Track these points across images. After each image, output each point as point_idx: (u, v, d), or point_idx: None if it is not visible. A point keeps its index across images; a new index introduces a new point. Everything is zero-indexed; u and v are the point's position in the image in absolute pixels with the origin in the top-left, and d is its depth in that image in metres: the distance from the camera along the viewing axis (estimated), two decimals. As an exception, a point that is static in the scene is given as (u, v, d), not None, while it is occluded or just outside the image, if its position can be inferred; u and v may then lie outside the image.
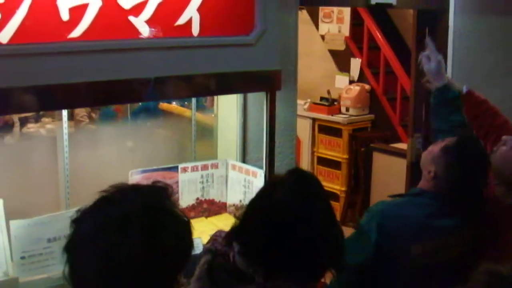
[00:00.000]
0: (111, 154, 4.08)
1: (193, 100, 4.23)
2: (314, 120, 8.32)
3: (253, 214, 2.15)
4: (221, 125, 4.35)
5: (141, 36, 3.17)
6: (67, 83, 2.99)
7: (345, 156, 8.05)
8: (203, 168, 4.12)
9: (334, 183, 8.07)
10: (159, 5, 3.19)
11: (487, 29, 5.32)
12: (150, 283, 1.70)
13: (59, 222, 3.24)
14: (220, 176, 4.18)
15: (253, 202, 2.18)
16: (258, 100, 4.01)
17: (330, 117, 8.18)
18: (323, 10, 8.84)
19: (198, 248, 2.24)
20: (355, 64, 8.63)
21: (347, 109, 8.24)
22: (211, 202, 4.17)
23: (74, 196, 3.60)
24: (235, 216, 4.02)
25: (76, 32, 2.97)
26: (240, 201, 4.10)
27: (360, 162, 7.89)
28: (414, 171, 5.34)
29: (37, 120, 4.02)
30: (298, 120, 4.47)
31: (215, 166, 4.18)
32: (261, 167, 3.91)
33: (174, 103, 4.62)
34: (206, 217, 4.14)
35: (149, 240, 1.69)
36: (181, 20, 3.29)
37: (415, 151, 5.44)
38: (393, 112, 8.25)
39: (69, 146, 3.62)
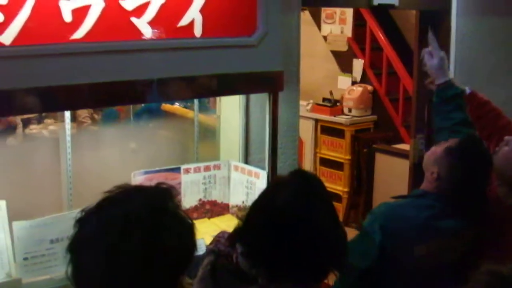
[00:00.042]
0: (114, 155, 4.09)
1: (196, 101, 4.23)
2: (316, 121, 8.32)
3: (256, 215, 2.15)
4: (224, 126, 4.35)
5: (143, 37, 3.17)
6: (70, 85, 3.00)
7: (348, 157, 8.04)
8: (206, 169, 4.12)
9: (336, 184, 8.07)
10: (162, 6, 3.20)
11: (489, 29, 5.32)
12: (152, 284, 1.70)
13: (62, 223, 3.25)
14: (222, 177, 4.18)
15: (256, 203, 2.18)
16: (260, 101, 4.02)
17: (332, 118, 8.18)
18: (325, 11, 8.84)
19: (200, 249, 2.24)
20: (358, 65, 8.62)
21: (350, 110, 8.24)
22: (214, 203, 4.17)
23: (76, 197, 3.61)
24: (237, 217, 4.07)
25: (79, 34, 2.98)
26: (243, 202, 4.10)
27: (362, 163, 7.89)
28: (416, 172, 5.32)
29: (39, 121, 4.03)
30: (300, 121, 4.46)
31: (218, 167, 4.18)
32: (263, 168, 3.91)
33: (177, 104, 4.62)
34: (209, 218, 4.14)
35: (152, 241, 1.69)
36: (184, 21, 3.29)
37: (417, 152, 5.43)
38: (395, 113, 8.24)
39: (72, 147, 3.62)
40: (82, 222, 1.75)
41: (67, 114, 3.59)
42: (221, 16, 3.43)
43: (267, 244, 2.04)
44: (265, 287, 2.07)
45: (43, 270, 3.25)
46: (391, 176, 7.15)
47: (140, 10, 3.14)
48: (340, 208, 7.87)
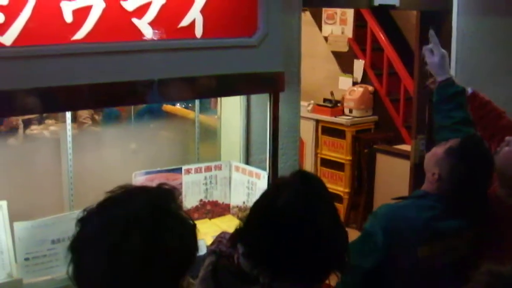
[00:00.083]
0: (115, 155, 4.09)
1: (197, 101, 4.23)
2: (317, 121, 8.32)
3: (258, 216, 2.15)
4: (225, 126, 4.35)
5: (144, 38, 3.17)
6: (71, 85, 3.00)
7: (349, 157, 8.04)
8: (207, 170, 4.12)
9: (337, 185, 8.07)
10: (162, 7, 3.20)
11: (490, 29, 5.32)
12: (154, 284, 1.70)
13: (63, 224, 3.25)
14: (223, 178, 4.18)
15: (258, 204, 2.19)
16: (261, 101, 4.02)
17: (333, 119, 8.18)
18: (326, 12, 8.84)
19: (202, 250, 2.24)
20: (358, 65, 8.62)
21: (351, 111, 8.24)
22: (215, 204, 4.17)
23: (77, 197, 3.61)
24: (238, 217, 4.06)
25: (80, 34, 2.98)
26: (244, 202, 4.10)
27: (363, 164, 7.89)
28: (417, 173, 5.32)
29: (40, 122, 4.02)
30: (301, 121, 4.46)
31: (219, 167, 4.18)
32: (264, 169, 3.91)
33: (178, 105, 4.62)
34: (210, 218, 4.14)
35: (153, 241, 1.69)
36: (185, 22, 3.29)
37: (418, 152, 5.44)
38: (396, 114, 8.24)
39: (73, 148, 3.62)
40: (84, 222, 1.75)
41: (68, 114, 3.59)
42: (222, 16, 3.43)
43: (268, 245, 2.04)
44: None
45: (44, 271, 3.25)
46: (392, 177, 7.15)
47: (141, 11, 3.14)
48: (341, 208, 7.87)
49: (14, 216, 3.25)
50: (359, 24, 8.67)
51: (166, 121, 4.60)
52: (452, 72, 4.88)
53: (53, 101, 3.02)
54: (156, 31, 3.19)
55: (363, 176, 7.91)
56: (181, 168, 4.01)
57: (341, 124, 8.11)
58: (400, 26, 8.92)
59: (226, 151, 4.35)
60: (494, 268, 1.95)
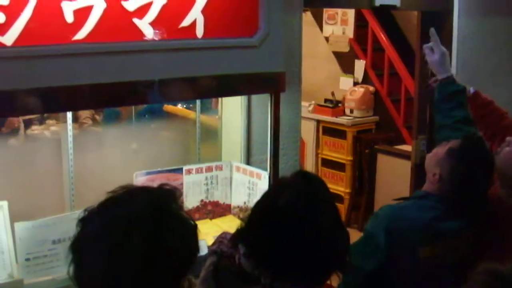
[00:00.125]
0: (116, 156, 4.09)
1: (198, 102, 4.23)
2: (318, 122, 8.32)
3: (259, 216, 2.15)
4: (226, 127, 4.35)
5: (145, 38, 3.17)
6: (71, 85, 3.00)
7: (349, 158, 8.04)
8: (208, 170, 4.12)
9: (338, 185, 8.07)
10: (163, 7, 3.19)
11: (490, 30, 5.33)
12: (155, 284, 1.70)
13: (64, 224, 3.25)
14: (224, 178, 4.18)
15: (259, 204, 2.19)
16: (262, 102, 4.02)
17: (334, 119, 8.18)
18: (327, 12, 8.84)
19: (202, 250, 2.24)
20: (359, 65, 8.62)
21: (351, 111, 8.24)
22: (216, 204, 4.17)
23: (78, 198, 3.61)
24: (239, 218, 4.06)
25: (81, 34, 2.98)
26: (245, 203, 4.09)
27: (364, 164, 7.89)
28: (418, 173, 5.32)
29: (41, 122, 4.02)
30: (302, 122, 4.46)
31: (220, 168, 4.18)
32: (265, 169, 3.90)
33: (179, 105, 4.62)
34: (211, 219, 4.14)
35: (154, 241, 1.69)
36: (185, 22, 3.29)
37: (419, 153, 5.43)
38: (397, 114, 8.24)
39: (74, 148, 3.62)
40: (85, 222, 1.75)
41: (69, 115, 3.59)
42: (223, 16, 3.43)
43: (270, 245, 2.04)
44: (268, 288, 2.07)
45: (45, 271, 3.25)
46: (393, 177, 7.15)
47: (142, 11, 3.14)
48: (342, 209, 7.86)
49: (15, 216, 3.25)
50: (360, 24, 8.67)
51: (167, 121, 4.59)
52: (453, 72, 4.88)
53: (54, 101, 3.02)
54: (157, 31, 3.19)
55: (364, 177, 7.91)
56: (182, 169, 4.01)
57: (342, 125, 8.11)
58: (401, 26, 8.92)
59: (227, 152, 4.35)
60: (492, 267, 1.96)
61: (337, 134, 8.17)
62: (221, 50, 3.46)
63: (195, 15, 3.31)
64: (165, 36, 3.23)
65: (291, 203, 2.07)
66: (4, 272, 3.17)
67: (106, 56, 3.08)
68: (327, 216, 2.09)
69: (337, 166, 8.19)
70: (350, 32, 8.70)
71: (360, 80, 8.61)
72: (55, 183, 3.74)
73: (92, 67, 3.05)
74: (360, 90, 8.30)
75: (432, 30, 3.61)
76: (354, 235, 2.61)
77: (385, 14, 8.55)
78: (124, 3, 3.08)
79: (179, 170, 4.00)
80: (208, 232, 3.68)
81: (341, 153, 8.13)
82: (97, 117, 4.37)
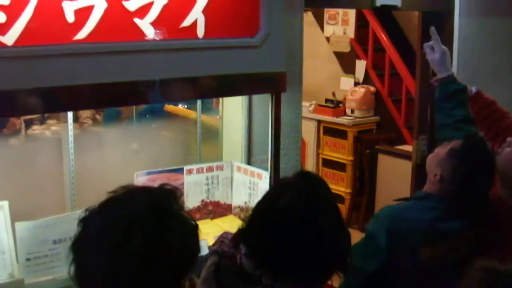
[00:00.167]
0: (116, 156, 4.09)
1: (198, 102, 4.23)
2: (319, 122, 8.32)
3: (260, 216, 2.15)
4: (226, 127, 4.35)
5: (146, 38, 3.17)
6: (72, 85, 2.99)
7: (350, 158, 8.05)
8: (208, 170, 4.11)
9: (339, 185, 8.07)
10: (164, 7, 3.19)
11: (491, 30, 5.32)
12: (155, 284, 1.70)
13: (65, 224, 3.25)
14: (225, 178, 4.18)
15: (260, 204, 2.19)
16: (263, 102, 4.01)
17: (335, 119, 8.18)
18: (328, 12, 8.84)
19: (203, 250, 2.24)
20: (360, 66, 8.63)
21: (352, 111, 8.24)
22: (216, 204, 4.17)
23: (79, 197, 3.61)
24: (240, 218, 4.06)
25: (82, 34, 2.98)
26: (245, 203, 4.09)
27: (365, 164, 7.89)
28: (419, 173, 5.32)
29: (42, 122, 4.02)
30: (303, 122, 4.46)
31: (220, 168, 4.17)
32: (266, 169, 3.90)
33: (180, 105, 4.62)
34: (211, 219, 4.14)
35: (155, 241, 1.69)
36: (186, 22, 3.29)
37: (420, 153, 5.43)
38: (398, 114, 8.25)
39: (74, 148, 3.62)
40: (85, 222, 1.75)
41: (70, 114, 3.58)
42: (223, 17, 3.43)
43: (271, 245, 2.04)
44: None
45: (46, 271, 3.25)
46: (394, 177, 7.15)
47: (143, 11, 3.14)
48: (343, 209, 7.86)
49: (15, 216, 3.25)
50: (361, 24, 8.68)
51: (168, 121, 4.59)
52: (454, 71, 4.88)
53: (55, 101, 3.02)
54: (158, 31, 3.19)
55: (364, 177, 7.91)
56: (182, 169, 4.00)
57: (343, 125, 8.12)
58: (402, 26, 8.92)
59: (228, 152, 4.35)
60: (488, 265, 1.96)
61: (338, 134, 8.18)
62: (222, 50, 3.46)
63: (196, 15, 3.31)
64: (166, 36, 3.23)
65: (292, 203, 2.07)
66: (4, 272, 3.16)
67: (107, 56, 3.08)
68: (328, 216, 2.09)
69: (338, 166, 8.20)
70: (351, 32, 8.70)
71: (361, 80, 8.62)
72: (55, 183, 3.74)
73: (93, 67, 3.04)
74: (361, 90, 8.30)
75: (433, 29, 3.61)
76: (355, 235, 2.61)
77: (386, 14, 8.55)
78: (125, 3, 3.08)
79: (180, 170, 3.99)
80: (209, 232, 3.68)
81: (342, 153, 8.13)
82: (97, 117, 4.37)
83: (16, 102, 2.87)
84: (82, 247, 1.73)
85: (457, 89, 3.50)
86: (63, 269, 3.13)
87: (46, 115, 3.94)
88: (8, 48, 2.79)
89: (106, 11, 3.02)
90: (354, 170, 8.08)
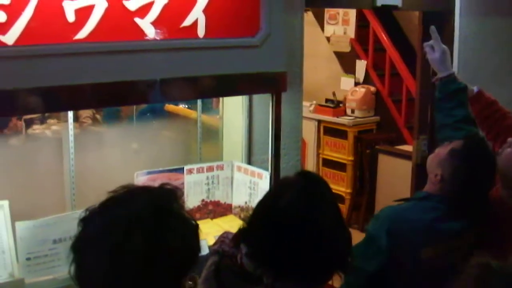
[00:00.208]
0: (117, 155, 4.08)
1: (199, 101, 4.23)
2: (319, 122, 8.33)
3: (261, 216, 2.15)
4: (227, 126, 4.35)
5: (146, 38, 3.17)
6: (73, 85, 2.99)
7: (350, 158, 8.05)
8: (209, 170, 4.11)
9: (339, 185, 8.07)
10: (165, 6, 3.19)
11: (492, 30, 5.32)
12: (156, 284, 1.70)
13: (65, 224, 3.24)
14: (225, 178, 4.18)
15: (261, 204, 2.18)
16: (263, 101, 4.01)
17: (335, 119, 8.18)
18: (328, 12, 8.84)
19: (203, 250, 2.24)
20: (361, 66, 8.63)
21: (353, 111, 8.24)
22: (217, 204, 4.17)
23: (79, 197, 3.60)
24: (240, 217, 4.06)
25: (82, 34, 2.97)
26: (246, 202, 4.09)
27: (365, 164, 7.89)
28: (419, 173, 5.32)
29: (42, 121, 4.02)
30: (303, 122, 4.46)
31: (221, 167, 4.17)
32: (266, 169, 3.90)
33: (181, 104, 4.62)
34: (212, 218, 4.14)
35: (155, 241, 1.69)
36: (187, 22, 3.29)
37: (420, 153, 5.43)
38: (398, 114, 8.25)
39: (75, 147, 3.62)
40: (86, 222, 1.75)
41: (70, 114, 3.58)
42: (224, 16, 3.42)
43: (271, 245, 2.04)
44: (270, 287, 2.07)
45: (46, 270, 3.25)
46: (394, 177, 7.15)
47: (143, 10, 3.13)
48: (343, 209, 7.84)
49: (15, 216, 3.25)
50: (362, 24, 8.68)
51: (168, 121, 4.59)
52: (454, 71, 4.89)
53: (55, 101, 3.01)
54: (159, 30, 3.19)
55: (365, 177, 7.91)
56: (183, 168, 4.00)
57: (343, 125, 8.12)
58: (402, 26, 8.92)
59: (228, 151, 4.35)
60: (484, 261, 1.97)
61: (338, 134, 8.18)
62: (222, 50, 3.46)
63: (196, 14, 3.31)
64: (167, 35, 3.23)
65: (293, 203, 2.07)
66: (5, 271, 3.16)
67: (108, 55, 3.08)
68: (328, 216, 2.09)
69: (338, 166, 8.20)
70: (351, 32, 8.70)
71: (361, 80, 8.62)
72: (56, 183, 3.74)
73: (94, 66, 3.04)
74: (361, 90, 8.30)
75: (433, 28, 3.61)
76: (355, 235, 2.61)
77: (386, 14, 8.55)
78: (125, 3, 3.08)
79: (180, 170, 3.99)
80: (209, 232, 3.68)
81: (342, 153, 8.13)
82: (97, 116, 4.37)
83: (16, 101, 2.87)
84: (82, 247, 1.73)
85: (457, 89, 3.50)
86: (63, 269, 3.13)
87: (46, 114, 3.94)
88: (9, 48, 2.79)
89: (106, 10, 3.02)
90: (354, 170, 8.08)
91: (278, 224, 2.05)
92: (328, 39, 8.95)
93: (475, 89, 3.65)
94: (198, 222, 1.86)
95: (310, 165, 8.30)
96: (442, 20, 5.10)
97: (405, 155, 6.98)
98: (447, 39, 4.88)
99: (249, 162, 4.17)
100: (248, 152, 4.18)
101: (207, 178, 4.10)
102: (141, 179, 3.76)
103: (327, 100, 8.44)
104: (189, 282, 1.88)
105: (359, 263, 2.67)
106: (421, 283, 2.98)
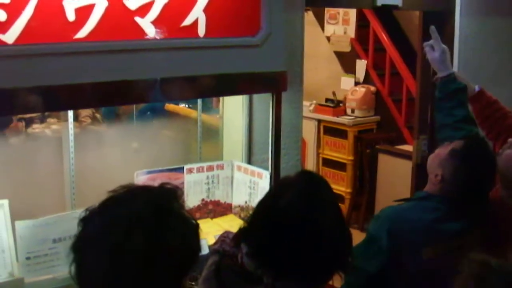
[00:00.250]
0: (117, 154, 4.08)
1: (199, 101, 4.23)
2: (319, 121, 8.33)
3: (261, 216, 2.15)
4: (227, 126, 4.34)
5: (147, 37, 3.17)
6: (73, 84, 2.99)
7: (350, 157, 8.04)
8: (209, 169, 4.11)
9: (339, 185, 8.07)
10: (165, 6, 3.19)
11: (492, 30, 5.32)
12: (156, 284, 1.70)
13: (65, 223, 3.24)
14: (225, 177, 4.18)
15: (261, 203, 2.18)
16: (263, 101, 4.01)
17: (335, 119, 8.18)
18: (328, 12, 8.84)
19: (203, 249, 2.23)
20: (361, 65, 8.62)
21: (353, 111, 8.24)
22: (217, 203, 4.17)
23: (79, 196, 3.60)
24: (240, 217, 4.06)
25: (82, 33, 2.97)
26: (246, 202, 4.09)
27: (365, 164, 7.89)
28: (419, 173, 5.32)
29: (42, 120, 4.01)
30: (303, 121, 4.46)
31: (221, 167, 4.17)
32: (266, 169, 3.90)
33: (183, 104, 4.62)
34: (212, 218, 4.13)
35: (155, 241, 1.69)
36: (187, 21, 3.29)
37: (420, 152, 5.43)
38: (398, 114, 8.24)
39: (75, 146, 3.62)
40: (86, 221, 1.75)
41: (70, 113, 3.58)
42: (224, 16, 3.42)
43: (272, 245, 2.04)
44: (270, 287, 2.07)
45: (46, 270, 3.24)
46: (394, 177, 7.15)
47: (143, 10, 3.13)
48: (343, 209, 7.78)
49: (15, 215, 3.25)
50: (362, 24, 8.67)
51: (168, 120, 4.60)
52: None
53: (55, 100, 3.01)
54: (159, 30, 3.19)
55: (365, 176, 7.91)
56: (183, 168, 4.00)
57: (343, 124, 8.11)
58: (402, 26, 8.91)
59: (228, 151, 4.34)
60: (482, 259, 1.97)
61: (338, 134, 8.18)
62: (222, 49, 3.46)
63: (197, 14, 3.31)
64: (167, 35, 3.22)
65: (293, 203, 2.07)
66: (4, 271, 3.16)
67: (108, 54, 3.08)
68: (329, 216, 2.08)
69: (338, 166, 8.20)
70: (351, 32, 8.70)
71: (361, 80, 8.62)
72: (56, 182, 3.74)
73: (94, 65, 3.04)
74: (361, 90, 8.30)
75: (432, 28, 3.61)
76: (355, 235, 2.61)
77: (386, 14, 8.54)
78: (126, 2, 3.07)
79: (180, 169, 3.99)
80: (209, 232, 3.68)
81: (342, 153, 8.13)
82: (97, 115, 4.37)
83: (16, 100, 2.87)
84: (82, 246, 1.72)
85: (457, 89, 3.49)
86: (63, 268, 3.13)
87: (46, 113, 3.94)
88: (9, 47, 2.79)
89: (106, 9, 3.02)
90: (354, 169, 8.08)
91: (278, 224, 2.05)
92: (328, 38, 8.95)
93: (476, 88, 3.64)
94: (198, 221, 1.86)
95: (310, 165, 8.29)
96: (442, 20, 5.10)
97: (405, 155, 6.98)
98: (448, 39, 4.88)
99: (249, 161, 4.17)
100: (248, 152, 4.17)
101: (207, 177, 4.10)
102: (141, 178, 3.76)
103: (327, 100, 8.44)
104: (190, 282, 1.87)
105: (360, 263, 2.67)
106: (421, 283, 2.98)
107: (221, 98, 4.30)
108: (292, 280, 2.05)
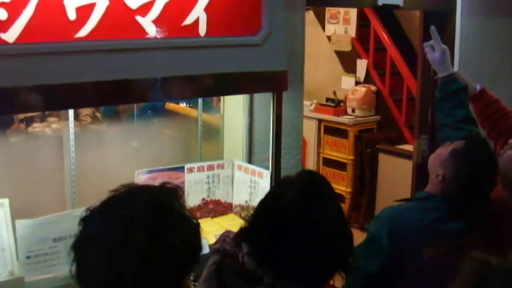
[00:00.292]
0: (117, 154, 4.08)
1: (200, 100, 4.23)
2: (320, 121, 8.32)
3: (262, 215, 2.14)
4: (227, 125, 4.34)
5: (147, 36, 3.17)
6: (73, 83, 2.99)
7: (351, 157, 8.04)
8: (209, 169, 4.11)
9: (339, 184, 8.06)
10: (166, 5, 3.19)
11: (493, 30, 5.32)
12: (157, 283, 1.70)
13: (65, 222, 3.24)
14: (226, 177, 4.18)
15: (262, 203, 2.18)
16: (264, 100, 4.01)
17: (336, 118, 8.18)
18: (329, 11, 8.83)
19: (204, 249, 2.23)
20: (361, 65, 8.62)
21: (353, 110, 8.24)
22: (217, 203, 4.17)
23: (80, 195, 3.60)
24: (241, 216, 4.06)
25: (83, 32, 2.97)
26: (246, 201, 4.09)
27: (365, 163, 7.89)
28: (420, 173, 5.32)
29: (42, 119, 4.01)
30: (304, 121, 4.46)
31: (221, 166, 4.17)
32: (267, 168, 3.90)
33: (184, 104, 4.61)
34: (212, 217, 4.13)
35: (156, 240, 1.69)
36: (188, 20, 3.29)
37: (421, 152, 5.43)
38: (399, 114, 8.24)
39: (75, 146, 3.62)
40: (87, 221, 1.75)
41: (71, 112, 3.58)
42: (225, 15, 3.42)
43: (273, 244, 2.04)
44: (271, 287, 2.06)
45: (46, 269, 3.24)
46: (394, 177, 7.15)
47: (144, 9, 3.13)
48: (343, 208, 7.84)
49: (16, 214, 3.25)
50: (362, 23, 8.67)
51: (169, 119, 4.59)
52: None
53: (56, 99, 3.01)
54: (160, 29, 3.18)
55: (365, 176, 7.91)
56: (183, 167, 4.00)
57: (344, 124, 8.11)
58: (403, 26, 8.91)
59: (228, 150, 4.34)
60: (482, 257, 1.97)
61: (339, 134, 8.18)
62: (223, 48, 3.45)
63: (197, 13, 3.30)
64: (168, 34, 3.22)
65: (294, 202, 2.07)
66: (5, 269, 3.16)
67: (109, 54, 3.08)
68: (330, 216, 2.08)
69: (339, 165, 8.19)
70: (352, 31, 8.69)
71: (362, 79, 8.61)
72: (56, 181, 3.74)
73: (94, 64, 3.04)
74: (362, 89, 8.29)
75: (433, 28, 3.61)
76: (355, 235, 2.61)
77: (387, 14, 8.54)
78: (126, 1, 3.07)
79: (181, 169, 3.99)
80: (210, 231, 3.67)
81: (343, 152, 8.13)
82: (97, 114, 4.37)
83: (17, 99, 2.87)
84: (83, 246, 1.72)
85: (457, 89, 3.49)
86: (63, 267, 3.13)
87: (46, 112, 3.94)
88: (9, 46, 2.79)
89: (107, 8, 3.01)
90: (354, 169, 8.07)
91: (279, 223, 2.05)
92: (329, 38, 8.94)
93: (478, 87, 3.64)
94: (199, 221, 1.85)
95: (311, 164, 8.29)
96: (443, 19, 5.10)
97: (405, 155, 6.98)
98: (448, 39, 4.89)
99: (250, 161, 4.16)
100: (249, 151, 4.17)
101: (208, 177, 4.10)
102: (141, 177, 3.76)
103: (327, 99, 8.44)
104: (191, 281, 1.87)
105: (360, 263, 2.66)
106: (422, 283, 2.98)
107: (221, 98, 4.30)
108: (292, 280, 2.05)
